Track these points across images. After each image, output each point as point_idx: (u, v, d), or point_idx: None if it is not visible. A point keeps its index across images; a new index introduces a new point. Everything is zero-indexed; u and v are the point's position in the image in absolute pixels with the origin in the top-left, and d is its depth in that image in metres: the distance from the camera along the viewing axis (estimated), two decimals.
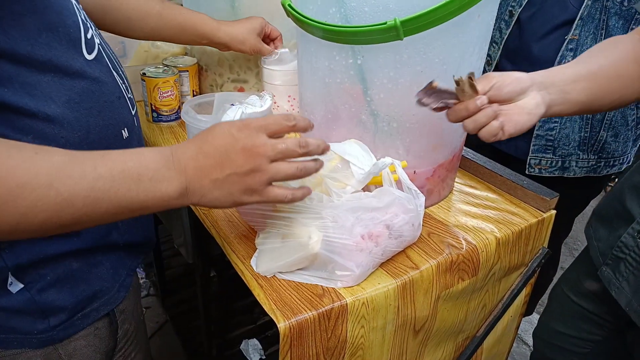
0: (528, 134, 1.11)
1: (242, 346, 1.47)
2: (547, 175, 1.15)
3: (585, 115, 1.07)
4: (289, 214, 0.64)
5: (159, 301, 1.71)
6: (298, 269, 0.65)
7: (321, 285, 0.64)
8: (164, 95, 1.04)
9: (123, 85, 0.64)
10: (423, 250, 0.72)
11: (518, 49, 1.15)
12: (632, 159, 1.18)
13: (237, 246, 0.70)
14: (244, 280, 0.65)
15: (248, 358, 1.45)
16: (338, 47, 0.68)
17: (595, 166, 1.14)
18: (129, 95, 0.66)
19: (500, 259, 0.77)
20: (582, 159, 1.12)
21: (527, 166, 1.15)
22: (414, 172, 0.77)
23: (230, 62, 1.09)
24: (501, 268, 0.79)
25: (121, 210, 0.49)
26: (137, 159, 0.49)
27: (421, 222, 0.70)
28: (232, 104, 0.77)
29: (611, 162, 1.14)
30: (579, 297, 0.90)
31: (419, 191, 0.71)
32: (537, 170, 1.15)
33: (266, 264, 0.64)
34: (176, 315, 1.54)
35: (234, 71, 1.10)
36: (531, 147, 1.13)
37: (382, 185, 0.71)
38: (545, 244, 0.85)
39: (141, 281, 1.81)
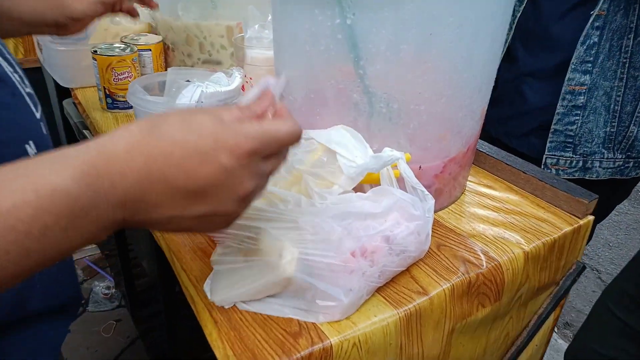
0: (544, 129, 0.95)
1: None
2: (566, 177, 0.99)
3: (612, 108, 0.91)
4: (253, 222, 0.48)
5: (130, 314, 1.54)
6: (266, 296, 0.48)
7: (297, 320, 0.47)
8: (120, 77, 0.88)
9: (15, 76, 0.45)
10: (432, 268, 0.55)
11: (533, 29, 0.99)
12: None
13: (190, 263, 0.54)
14: (195, 313, 0.49)
15: None
16: (321, 2, 0.52)
17: (622, 167, 0.98)
18: (28, 90, 0.46)
19: (528, 278, 0.61)
20: (607, 158, 0.96)
21: (542, 166, 0.99)
22: (420, 167, 0.60)
23: (201, 39, 0.93)
24: (529, 289, 0.63)
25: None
26: (34, 197, 0.28)
27: (430, 232, 0.54)
28: (188, 80, 0.61)
29: None
30: (624, 312, 0.75)
31: (426, 192, 0.54)
32: (554, 171, 0.99)
33: (223, 291, 0.48)
34: (146, 331, 1.37)
35: (205, 50, 0.94)
36: (547, 144, 0.97)
37: (379, 185, 0.55)
38: (580, 257, 0.69)
39: (112, 291, 1.64)
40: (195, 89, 0.61)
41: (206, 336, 0.45)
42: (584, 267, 0.69)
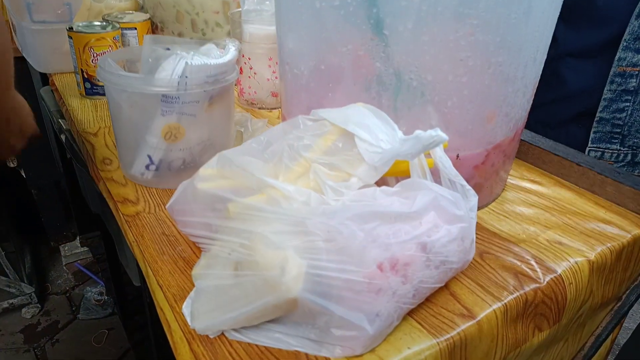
0: (586, 117, 0.82)
1: None
2: None
3: None
4: (246, 224, 0.36)
5: (122, 322, 1.43)
6: (264, 322, 0.37)
7: (306, 354, 0.36)
8: (100, 57, 0.76)
9: None
10: (477, 283, 0.44)
11: (575, 2, 0.87)
12: None
13: (167, 278, 0.42)
14: (170, 343, 0.37)
15: None
16: None
17: None
18: None
19: (592, 293, 0.49)
20: None
21: None
22: (457, 156, 0.49)
23: (193, 15, 0.81)
24: (591, 307, 0.51)
25: None
26: None
27: (474, 238, 0.42)
28: (168, 48, 0.49)
29: None
30: None
31: (468, 186, 0.43)
32: None
33: (208, 315, 0.36)
34: (139, 342, 1.26)
35: (198, 29, 0.82)
36: (591, 135, 0.85)
37: (407, 177, 0.43)
38: None
39: (105, 297, 1.53)
40: (179, 61, 0.49)
41: None
42: None
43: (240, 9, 0.77)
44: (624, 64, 0.76)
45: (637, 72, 0.76)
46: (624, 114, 0.81)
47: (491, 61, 0.44)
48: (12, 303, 1.47)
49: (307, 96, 0.51)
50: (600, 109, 0.81)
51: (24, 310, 1.48)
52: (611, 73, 0.77)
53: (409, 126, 0.45)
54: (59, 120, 0.81)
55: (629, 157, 0.84)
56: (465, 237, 0.41)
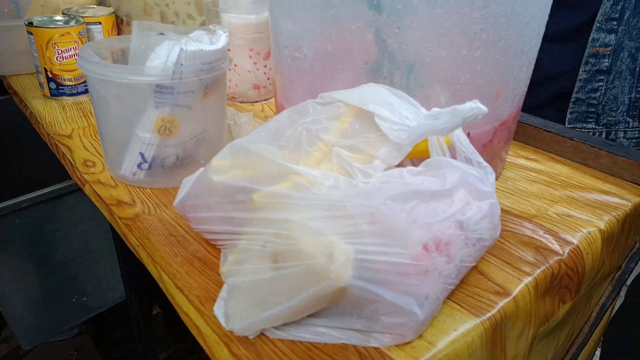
0: (562, 99, 0.85)
1: None
2: None
3: (637, 70, 0.82)
4: (278, 214, 0.34)
5: (92, 342, 1.34)
6: (304, 317, 0.34)
7: (354, 346, 0.34)
8: (65, 55, 0.71)
9: None
10: (502, 260, 0.43)
11: None
12: None
13: (186, 279, 0.39)
14: (205, 348, 0.34)
15: None
16: None
17: None
18: None
19: (603, 263, 0.50)
20: (631, 127, 0.87)
21: None
22: (468, 134, 0.48)
23: (162, 7, 0.77)
24: (601, 276, 0.52)
25: None
26: None
27: (500, 214, 0.42)
28: (162, 33, 0.46)
29: None
30: None
31: (485, 163, 0.42)
32: None
33: (246, 314, 0.33)
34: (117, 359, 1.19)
35: (168, 22, 0.78)
36: (568, 116, 0.87)
37: (426, 157, 0.42)
38: None
39: None
40: (172, 47, 0.45)
41: None
42: None
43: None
44: (597, 45, 0.79)
45: (609, 52, 0.79)
46: (598, 94, 0.84)
47: (502, 34, 0.43)
48: None
49: (310, 80, 0.49)
50: (575, 89, 0.84)
51: None
52: (585, 54, 0.79)
53: (421, 105, 0.44)
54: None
55: (604, 135, 0.87)
56: (494, 213, 0.40)
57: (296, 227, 0.32)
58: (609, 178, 0.57)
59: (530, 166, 0.60)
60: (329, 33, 0.45)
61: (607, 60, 0.79)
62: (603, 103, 0.83)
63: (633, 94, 0.84)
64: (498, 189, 0.55)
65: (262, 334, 0.33)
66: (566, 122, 0.86)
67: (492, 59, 0.44)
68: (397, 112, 0.39)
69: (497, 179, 0.57)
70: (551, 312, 0.44)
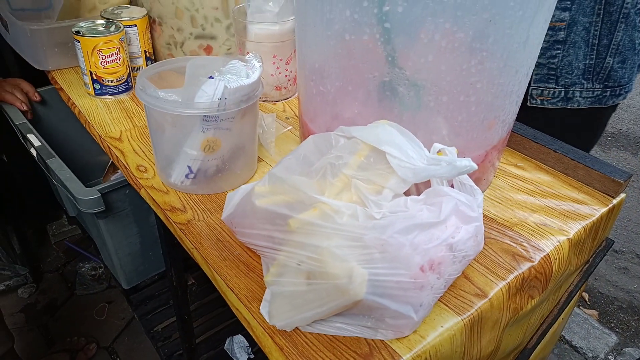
0: None
1: (226, 345, 1.29)
2: (550, 106, 1.03)
3: (590, 41, 0.95)
4: (310, 239, 0.44)
5: (122, 295, 1.49)
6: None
7: (365, 339, 0.45)
8: (108, 59, 0.79)
9: None
10: (484, 266, 0.54)
11: None
12: (633, 87, 1.07)
13: (235, 281, 0.50)
14: (253, 336, 0.45)
15: (234, 358, 1.28)
16: None
17: (600, 96, 1.03)
18: None
19: (569, 264, 0.61)
20: (586, 88, 1.00)
21: (528, 97, 1.02)
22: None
23: (192, 12, 0.84)
24: (569, 274, 0.63)
25: None
26: None
27: (484, 232, 0.52)
28: (211, 77, 0.54)
29: (617, 91, 1.03)
30: None
31: (475, 186, 0.52)
32: (539, 102, 1.03)
33: (286, 315, 0.44)
34: (144, 314, 1.33)
35: (197, 24, 0.85)
36: (532, 77, 1.00)
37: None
38: (609, 233, 0.69)
39: (100, 272, 1.58)
40: (218, 84, 0.54)
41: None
42: (612, 242, 0.69)
43: (239, 5, 0.81)
44: (553, 20, 0.91)
45: (564, 26, 0.92)
46: (556, 60, 0.97)
47: (494, 82, 0.52)
48: (8, 285, 1.50)
49: (332, 109, 0.58)
50: (538, 55, 0.96)
51: (20, 290, 1.52)
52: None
53: (426, 137, 0.53)
54: (27, 135, 0.84)
55: (563, 94, 1.00)
56: (478, 233, 0.50)
57: (325, 252, 0.43)
58: (584, 187, 0.67)
59: (518, 174, 0.69)
60: (350, 78, 0.53)
61: (562, 32, 0.92)
62: (560, 67, 0.96)
63: (587, 61, 0.96)
64: (487, 197, 0.65)
65: (296, 328, 0.45)
66: (532, 82, 0.97)
67: (485, 102, 0.53)
68: (405, 151, 0.49)
69: (488, 186, 0.66)
70: (521, 306, 0.55)
